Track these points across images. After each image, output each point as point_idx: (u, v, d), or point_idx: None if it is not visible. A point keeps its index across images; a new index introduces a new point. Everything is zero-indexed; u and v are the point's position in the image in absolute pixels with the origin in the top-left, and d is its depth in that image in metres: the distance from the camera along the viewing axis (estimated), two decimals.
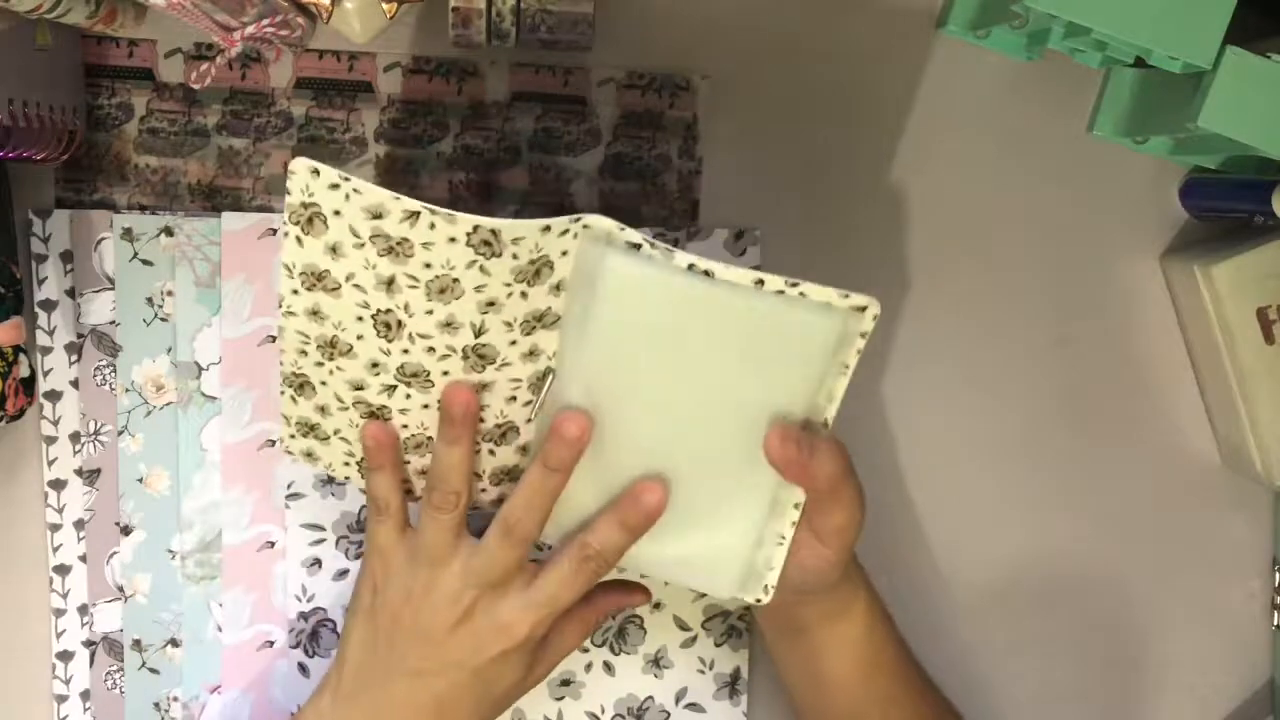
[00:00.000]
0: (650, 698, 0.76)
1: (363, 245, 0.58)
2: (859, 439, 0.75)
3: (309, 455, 0.67)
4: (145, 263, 0.72)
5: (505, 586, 0.63)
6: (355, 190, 0.57)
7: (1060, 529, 0.78)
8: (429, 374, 0.61)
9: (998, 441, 0.77)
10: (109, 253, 0.71)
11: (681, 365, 0.61)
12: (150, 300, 0.72)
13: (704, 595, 0.75)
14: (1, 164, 0.67)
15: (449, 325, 0.60)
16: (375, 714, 0.64)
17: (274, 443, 0.72)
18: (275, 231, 0.71)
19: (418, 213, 0.57)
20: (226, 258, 0.71)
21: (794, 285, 0.58)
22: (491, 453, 0.64)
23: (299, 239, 0.59)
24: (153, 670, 0.73)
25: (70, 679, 0.73)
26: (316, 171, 0.57)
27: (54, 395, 0.72)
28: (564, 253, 0.59)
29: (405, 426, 0.63)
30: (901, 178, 0.76)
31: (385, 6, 0.65)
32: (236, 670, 0.73)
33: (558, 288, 0.60)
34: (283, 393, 0.64)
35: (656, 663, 0.76)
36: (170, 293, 0.72)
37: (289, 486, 0.73)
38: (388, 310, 0.60)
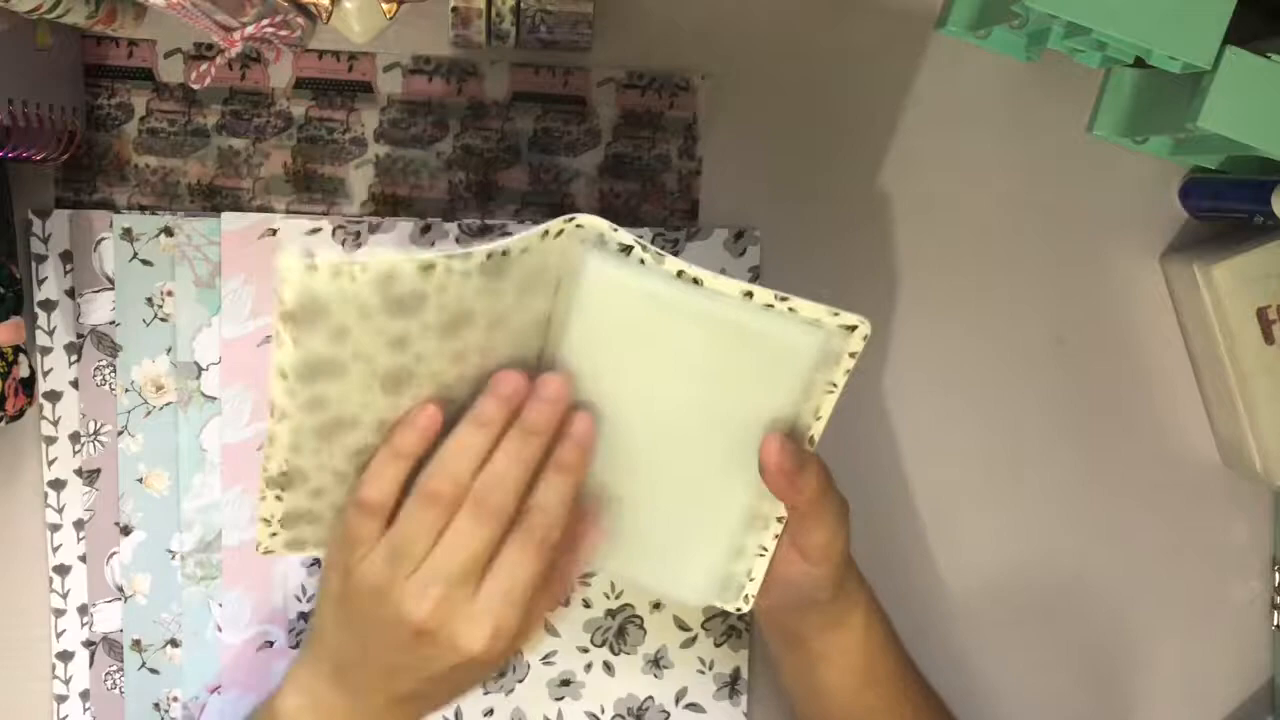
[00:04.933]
0: (650, 698, 0.76)
1: (370, 317, 0.54)
2: (854, 440, 0.75)
3: (296, 545, 0.61)
4: (145, 263, 0.72)
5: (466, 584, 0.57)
6: (360, 269, 0.52)
7: (1060, 529, 0.78)
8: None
9: (996, 442, 0.77)
10: (109, 253, 0.71)
11: (660, 371, 0.59)
12: (150, 300, 0.72)
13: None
14: (1, 164, 0.67)
15: (460, 357, 0.57)
16: (355, 698, 0.60)
17: None
18: (275, 232, 0.71)
19: (433, 264, 0.53)
20: (226, 258, 0.71)
21: (783, 300, 0.57)
22: None
23: (295, 340, 0.53)
24: (153, 670, 0.73)
25: (70, 679, 0.73)
26: (313, 267, 0.51)
27: (54, 395, 0.72)
28: (558, 253, 0.58)
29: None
30: (901, 178, 0.76)
31: (385, 6, 0.65)
32: (236, 670, 0.73)
33: (554, 288, 0.59)
34: (263, 497, 0.58)
35: (656, 663, 0.76)
36: (170, 293, 0.72)
37: None
38: (398, 367, 0.56)
